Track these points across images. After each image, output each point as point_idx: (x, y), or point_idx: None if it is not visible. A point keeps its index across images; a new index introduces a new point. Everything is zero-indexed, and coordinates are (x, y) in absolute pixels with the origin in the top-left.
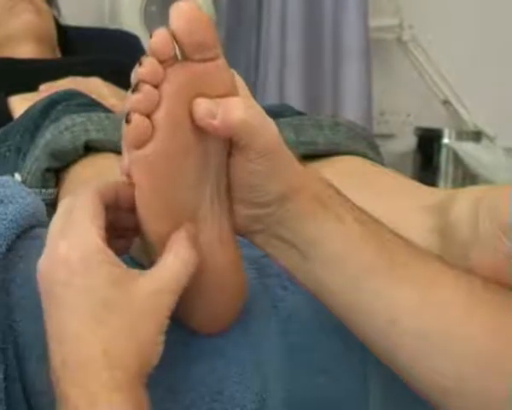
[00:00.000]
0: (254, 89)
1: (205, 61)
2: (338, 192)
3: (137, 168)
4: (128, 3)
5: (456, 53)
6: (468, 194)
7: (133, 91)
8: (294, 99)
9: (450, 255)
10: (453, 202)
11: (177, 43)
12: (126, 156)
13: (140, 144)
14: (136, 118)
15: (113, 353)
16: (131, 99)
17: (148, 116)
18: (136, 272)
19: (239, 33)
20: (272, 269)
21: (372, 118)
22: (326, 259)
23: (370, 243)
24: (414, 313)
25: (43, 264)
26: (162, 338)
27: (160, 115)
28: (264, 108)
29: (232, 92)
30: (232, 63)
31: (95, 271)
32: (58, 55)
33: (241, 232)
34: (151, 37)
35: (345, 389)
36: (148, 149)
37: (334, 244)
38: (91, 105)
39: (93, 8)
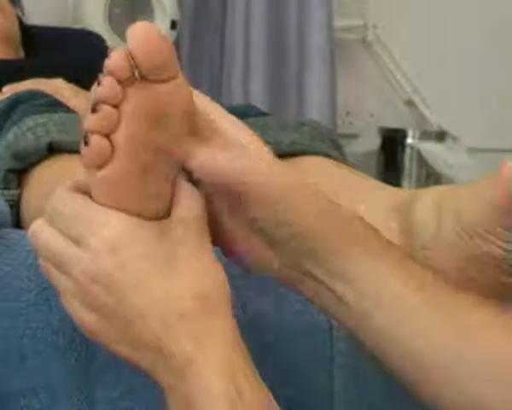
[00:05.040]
0: (219, 90)
1: (163, 81)
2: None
3: (99, 189)
4: (92, 6)
5: (420, 53)
6: (432, 194)
7: (92, 112)
8: (259, 99)
9: (414, 253)
10: (416, 201)
11: (134, 64)
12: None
13: (100, 165)
14: (95, 139)
15: (201, 295)
16: (90, 120)
17: (107, 136)
18: (158, 222)
19: (203, 34)
20: (239, 269)
21: (336, 118)
22: (364, 303)
23: (408, 282)
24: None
25: (90, 265)
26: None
27: (119, 136)
28: (228, 108)
29: (192, 110)
30: (196, 64)
31: (140, 238)
32: (21, 54)
33: (275, 275)
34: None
35: (311, 388)
36: (109, 169)
37: (372, 285)
38: (54, 105)
39: (56, 9)
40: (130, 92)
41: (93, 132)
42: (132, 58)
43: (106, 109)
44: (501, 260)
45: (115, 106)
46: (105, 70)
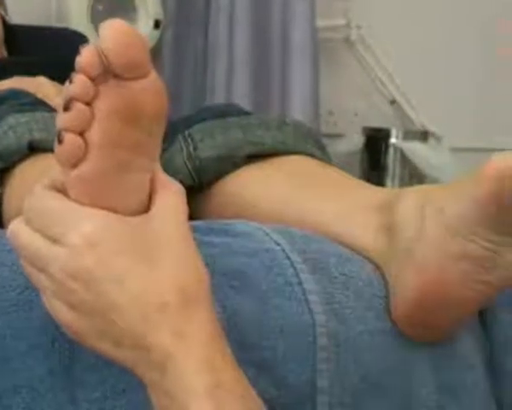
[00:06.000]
0: (202, 88)
1: (136, 78)
2: None
3: (75, 187)
4: (75, 3)
5: (404, 53)
6: (415, 193)
7: (65, 110)
8: (242, 99)
9: (397, 252)
10: (400, 201)
11: (107, 62)
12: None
13: (74, 163)
14: (68, 137)
15: (181, 288)
16: (63, 118)
17: (81, 134)
18: (137, 216)
19: (187, 33)
20: (219, 268)
21: (320, 117)
22: None
23: None
24: None
25: (68, 261)
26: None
27: (93, 133)
28: (211, 107)
29: (165, 106)
30: (180, 63)
31: (118, 233)
32: (4, 54)
33: None
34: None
35: (294, 385)
36: (83, 167)
37: None
38: (36, 104)
39: (40, 7)
40: (102, 89)
41: (66, 130)
42: (105, 56)
43: (78, 107)
44: (484, 260)
45: (88, 103)
46: (76, 67)
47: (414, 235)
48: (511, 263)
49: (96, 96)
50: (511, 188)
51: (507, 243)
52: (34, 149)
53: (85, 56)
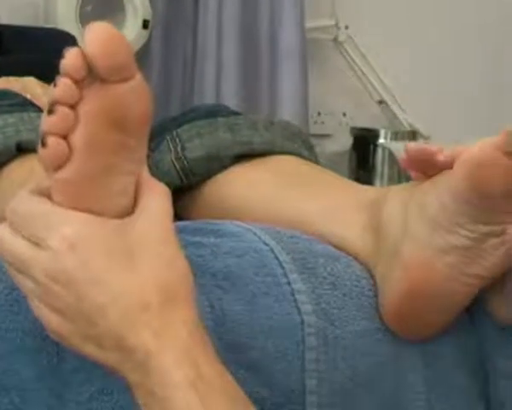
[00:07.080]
0: (191, 89)
1: (121, 81)
2: None
3: (58, 191)
4: (63, 3)
5: (392, 54)
6: (401, 191)
7: (48, 113)
8: (231, 99)
9: (384, 251)
10: (385, 199)
11: (91, 65)
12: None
13: (58, 167)
14: (52, 141)
15: (162, 287)
16: (46, 121)
17: (65, 137)
18: (124, 219)
19: (175, 33)
20: (208, 268)
21: (308, 118)
22: None
23: None
24: None
25: (49, 264)
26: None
27: (77, 137)
28: (200, 107)
29: (150, 109)
30: (169, 64)
31: (100, 235)
32: None
33: None
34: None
35: (283, 385)
36: (67, 171)
37: None
38: (24, 105)
39: (27, 7)
40: (86, 93)
41: (50, 134)
42: (89, 59)
43: (62, 110)
44: (468, 251)
45: (72, 106)
46: (61, 71)
47: (399, 233)
48: (496, 252)
49: (80, 99)
50: (487, 174)
51: (490, 231)
52: (22, 149)
53: (69, 59)
